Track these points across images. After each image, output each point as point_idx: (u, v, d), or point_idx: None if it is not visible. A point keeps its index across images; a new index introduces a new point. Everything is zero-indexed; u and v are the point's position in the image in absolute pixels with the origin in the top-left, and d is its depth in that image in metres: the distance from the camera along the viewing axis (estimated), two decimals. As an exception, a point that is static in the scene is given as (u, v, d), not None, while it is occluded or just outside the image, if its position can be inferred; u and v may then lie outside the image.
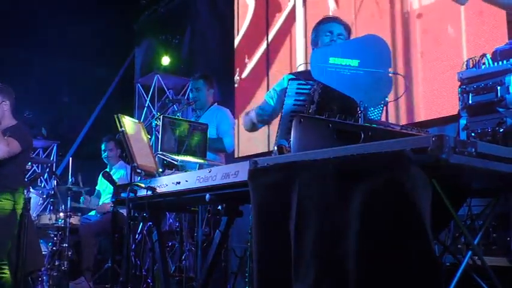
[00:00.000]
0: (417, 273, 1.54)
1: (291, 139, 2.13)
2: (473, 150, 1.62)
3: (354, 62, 2.29)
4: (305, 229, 1.76)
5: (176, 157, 3.36)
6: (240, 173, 2.28)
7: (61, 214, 5.48)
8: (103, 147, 6.16)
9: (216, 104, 4.88)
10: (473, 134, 3.04)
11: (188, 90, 7.74)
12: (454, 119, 3.51)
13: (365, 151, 1.68)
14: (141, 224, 5.20)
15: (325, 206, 1.72)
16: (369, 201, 1.61)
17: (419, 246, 1.54)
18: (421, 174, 1.56)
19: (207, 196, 2.47)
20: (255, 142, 5.76)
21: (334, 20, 3.25)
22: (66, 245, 5.32)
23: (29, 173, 6.35)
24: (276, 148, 2.34)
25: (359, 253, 1.61)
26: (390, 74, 2.33)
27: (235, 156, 6.36)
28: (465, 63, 3.23)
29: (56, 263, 5.33)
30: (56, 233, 5.50)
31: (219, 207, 2.54)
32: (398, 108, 4.56)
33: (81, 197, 5.77)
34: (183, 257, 4.32)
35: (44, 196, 6.29)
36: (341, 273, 1.64)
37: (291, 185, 1.84)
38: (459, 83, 3.18)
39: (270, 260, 1.91)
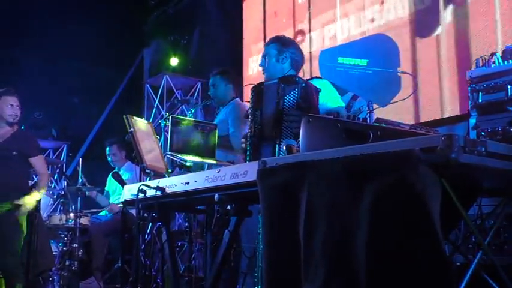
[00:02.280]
0: (427, 273, 1.53)
1: (300, 139, 2.13)
2: (483, 149, 1.61)
3: (363, 62, 2.30)
4: (314, 229, 1.76)
5: (185, 157, 3.37)
6: (249, 172, 2.28)
7: (71, 214, 5.51)
8: (107, 151, 6.20)
9: (236, 99, 4.70)
10: (483, 133, 3.03)
11: (197, 90, 7.80)
12: (464, 118, 3.50)
13: (374, 151, 1.67)
14: (151, 224, 5.21)
15: (335, 205, 1.72)
16: (378, 201, 1.61)
17: (429, 246, 1.53)
18: (431, 174, 1.56)
19: (216, 196, 2.48)
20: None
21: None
22: (76, 245, 5.34)
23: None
24: (284, 148, 2.34)
25: (368, 253, 1.60)
26: (399, 74, 2.32)
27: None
28: (475, 62, 3.22)
29: (67, 263, 5.35)
30: (66, 233, 5.53)
31: (228, 207, 2.55)
32: (407, 107, 4.54)
33: (87, 192, 5.79)
34: (193, 257, 4.33)
35: (54, 197, 6.33)
36: (350, 273, 1.64)
37: (300, 185, 1.83)
38: (469, 81, 3.17)
39: (279, 260, 1.91)
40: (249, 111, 2.92)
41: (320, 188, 1.78)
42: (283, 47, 3.35)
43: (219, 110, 4.73)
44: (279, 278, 1.90)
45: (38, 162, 4.65)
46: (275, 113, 2.78)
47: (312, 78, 3.21)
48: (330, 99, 3.13)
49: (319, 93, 2.89)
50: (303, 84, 2.80)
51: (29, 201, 4.42)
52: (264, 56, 3.39)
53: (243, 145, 3.06)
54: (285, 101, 2.78)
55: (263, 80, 3.21)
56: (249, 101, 2.94)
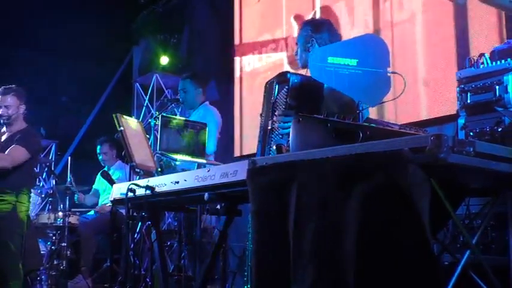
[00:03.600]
0: (415, 273, 1.54)
1: (290, 138, 2.13)
2: (471, 149, 1.62)
3: (353, 62, 2.29)
4: (303, 229, 1.76)
5: (175, 156, 3.36)
6: (238, 172, 2.28)
7: (60, 213, 5.48)
8: (98, 150, 6.16)
9: (206, 103, 4.75)
10: (471, 134, 3.05)
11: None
12: (453, 118, 3.52)
13: (364, 150, 1.68)
14: (140, 223, 5.19)
15: (324, 205, 1.72)
16: (367, 201, 1.61)
17: (418, 246, 1.54)
18: (420, 174, 1.57)
19: (206, 195, 2.47)
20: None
21: None
22: (65, 244, 5.31)
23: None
24: (274, 147, 2.34)
25: (357, 253, 1.61)
26: (389, 74, 2.33)
27: (235, 155, 6.37)
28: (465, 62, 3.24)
29: (55, 263, 5.32)
30: (54, 232, 5.50)
31: (218, 206, 2.54)
32: (396, 107, 4.57)
33: (75, 195, 5.75)
34: (182, 256, 4.32)
35: (43, 195, 6.28)
36: (339, 273, 1.64)
37: (290, 185, 1.84)
38: (458, 82, 3.18)
39: (269, 260, 1.91)
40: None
41: (309, 187, 1.78)
42: (312, 32, 3.06)
43: (188, 114, 4.75)
44: (269, 277, 1.91)
45: (13, 149, 4.36)
46: (268, 113, 2.76)
47: None
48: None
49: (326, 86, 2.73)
50: (295, 81, 2.72)
51: None
52: (296, 44, 3.17)
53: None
54: (276, 99, 2.75)
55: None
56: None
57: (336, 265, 1.65)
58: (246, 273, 3.10)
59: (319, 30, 3.06)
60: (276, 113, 2.72)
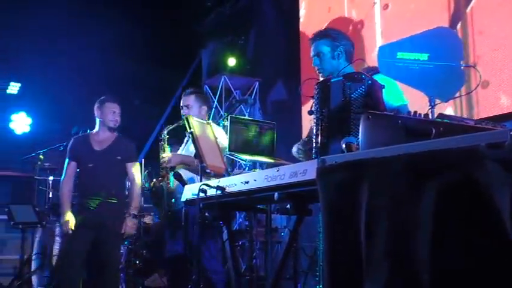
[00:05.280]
0: (494, 275, 1.48)
1: (359, 136, 2.10)
2: (554, 144, 1.53)
3: (424, 56, 2.23)
4: (376, 228, 1.73)
5: (244, 157, 3.39)
6: (308, 171, 2.27)
7: (135, 214, 5.66)
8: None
9: (209, 121, 4.33)
10: (553, 127, 2.88)
11: (254, 90, 7.83)
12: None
13: (437, 147, 1.63)
14: (212, 223, 5.27)
15: (397, 204, 1.69)
16: (442, 200, 1.56)
17: (497, 246, 1.48)
18: (498, 171, 1.50)
19: (276, 195, 2.48)
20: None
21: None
22: (141, 244, 5.49)
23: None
24: (344, 146, 2.32)
25: (432, 253, 1.56)
26: (462, 67, 2.24)
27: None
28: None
29: (132, 261, 5.52)
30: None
31: (288, 206, 2.54)
32: (471, 102, 4.40)
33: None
34: (254, 256, 4.35)
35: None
36: (413, 273, 1.60)
37: (361, 183, 1.81)
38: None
39: (341, 259, 1.89)
40: (313, 107, 2.88)
41: (381, 186, 1.75)
42: (335, 41, 3.23)
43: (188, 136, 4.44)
44: (340, 277, 1.89)
45: (133, 168, 4.80)
46: (342, 112, 2.73)
47: (374, 73, 3.14)
48: (392, 96, 3.04)
49: (383, 89, 2.81)
50: (369, 82, 2.73)
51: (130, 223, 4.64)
52: (316, 55, 3.29)
53: (295, 152, 3.02)
54: (352, 99, 2.72)
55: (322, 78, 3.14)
56: (312, 96, 2.89)
57: (409, 265, 1.61)
58: (317, 273, 3.08)
59: (340, 38, 3.23)
60: (352, 112, 2.70)
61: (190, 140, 4.23)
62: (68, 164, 4.73)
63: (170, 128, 4.36)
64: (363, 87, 2.69)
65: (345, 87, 2.71)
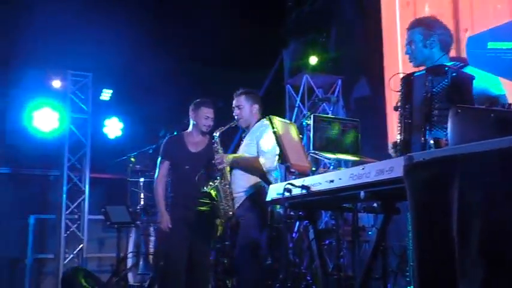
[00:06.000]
0: None
1: (448, 131, 2.02)
2: None
3: (517, 45, 2.11)
4: (469, 227, 1.66)
5: (328, 155, 3.37)
6: (395, 168, 2.22)
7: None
8: None
9: (262, 120, 4.33)
10: None
11: (337, 87, 7.76)
12: None
13: (534, 141, 1.54)
14: (297, 222, 5.29)
15: (492, 202, 1.61)
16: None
17: None
18: None
19: (362, 193, 2.45)
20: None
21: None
22: (228, 243, 5.59)
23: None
24: (432, 141, 2.24)
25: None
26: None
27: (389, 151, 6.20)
28: None
29: (220, 261, 5.64)
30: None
31: (375, 204, 2.50)
32: None
33: None
34: (341, 255, 4.31)
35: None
36: (512, 273, 1.52)
37: (451, 180, 1.75)
38: None
39: (432, 259, 1.83)
40: (399, 103, 2.81)
41: (473, 182, 1.68)
42: (429, 29, 3.08)
43: (244, 134, 4.44)
44: (432, 277, 1.83)
45: None
46: (424, 107, 2.64)
47: (464, 65, 3.00)
48: (491, 84, 2.88)
49: (474, 80, 2.67)
50: (454, 74, 2.62)
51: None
52: (408, 43, 3.17)
53: (393, 153, 2.93)
54: (434, 93, 2.63)
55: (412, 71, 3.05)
56: (399, 91, 2.81)
57: (508, 266, 1.54)
58: (408, 273, 3.01)
59: (435, 26, 3.09)
60: (435, 106, 2.60)
61: (248, 141, 4.26)
62: (162, 163, 4.84)
63: (223, 129, 4.38)
64: (446, 80, 2.58)
65: (427, 81, 2.62)
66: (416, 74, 2.78)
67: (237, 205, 4.13)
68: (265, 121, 4.17)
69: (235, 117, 4.37)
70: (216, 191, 4.17)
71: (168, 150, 4.86)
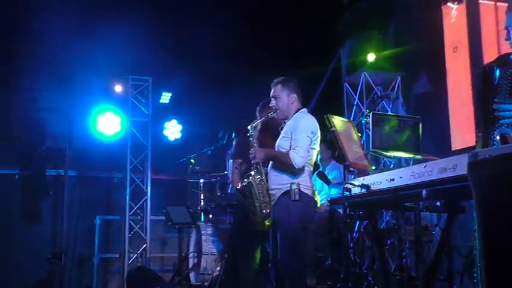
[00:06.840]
0: None
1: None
2: None
3: None
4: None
5: (388, 153, 3.31)
6: (458, 166, 2.15)
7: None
8: None
9: (303, 110, 4.14)
10: None
11: (396, 84, 7.60)
12: None
13: None
14: (358, 222, 5.22)
15: None
16: None
17: None
18: None
19: (424, 192, 2.38)
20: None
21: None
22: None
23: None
24: (498, 138, 2.16)
25: None
26: None
27: (453, 148, 6.02)
28: None
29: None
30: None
31: (438, 203, 2.43)
32: None
33: None
34: (403, 255, 4.22)
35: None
36: None
37: (519, 177, 1.67)
38: None
39: (500, 259, 1.76)
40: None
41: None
42: None
43: (284, 124, 4.18)
44: (501, 278, 1.76)
45: None
46: (487, 100, 2.51)
47: None
48: None
49: None
50: None
51: None
52: (506, 28, 2.79)
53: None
54: (497, 85, 2.48)
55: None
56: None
57: None
58: (475, 275, 2.90)
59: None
60: (495, 100, 2.46)
61: (283, 134, 4.02)
62: (234, 161, 4.89)
63: (256, 122, 4.22)
64: (510, 70, 2.43)
65: (495, 71, 2.48)
66: (487, 65, 2.61)
67: (272, 202, 3.94)
68: (301, 112, 4.07)
69: (272, 108, 4.14)
70: (250, 187, 3.99)
71: (239, 148, 4.86)
